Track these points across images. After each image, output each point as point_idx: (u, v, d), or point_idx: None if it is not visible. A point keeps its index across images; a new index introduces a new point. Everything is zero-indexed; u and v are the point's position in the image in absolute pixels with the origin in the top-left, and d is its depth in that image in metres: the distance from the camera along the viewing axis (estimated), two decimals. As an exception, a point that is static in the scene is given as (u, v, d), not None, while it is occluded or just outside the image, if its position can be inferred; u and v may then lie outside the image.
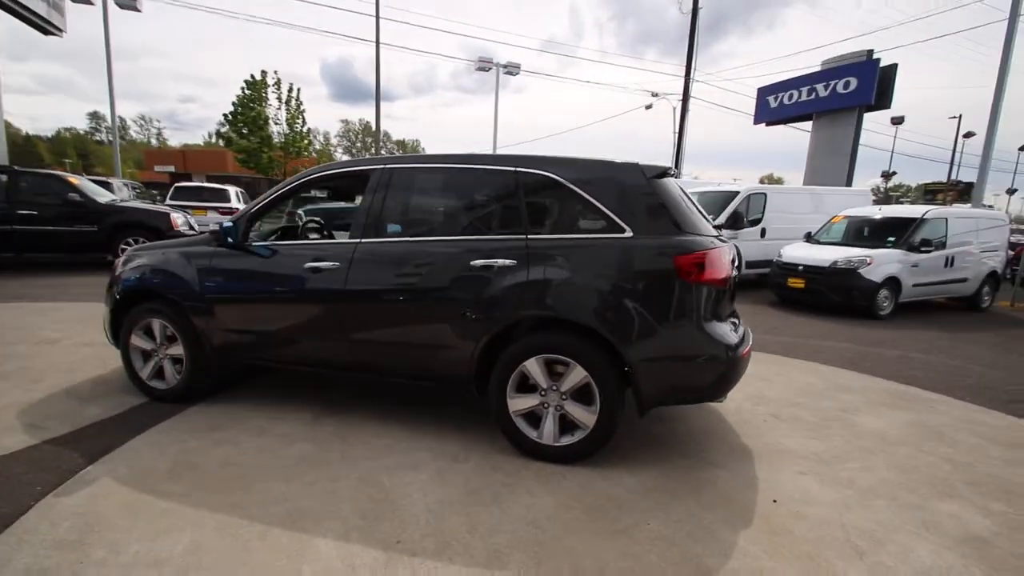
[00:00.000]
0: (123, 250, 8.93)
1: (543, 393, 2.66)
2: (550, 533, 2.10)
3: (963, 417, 3.67)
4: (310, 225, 3.94)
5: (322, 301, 2.96)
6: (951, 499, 2.53)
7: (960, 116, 29.47)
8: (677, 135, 23.01)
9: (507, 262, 2.65)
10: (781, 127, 24.95)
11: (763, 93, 24.18)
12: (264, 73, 28.50)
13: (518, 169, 2.79)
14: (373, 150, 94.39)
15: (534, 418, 2.72)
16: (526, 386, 2.71)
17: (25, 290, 7.02)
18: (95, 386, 3.60)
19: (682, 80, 20.55)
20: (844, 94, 20.72)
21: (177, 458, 2.63)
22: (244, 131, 28.01)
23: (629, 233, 2.57)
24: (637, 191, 2.64)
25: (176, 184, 11.92)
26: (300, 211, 11.61)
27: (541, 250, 2.64)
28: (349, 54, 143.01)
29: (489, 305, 2.65)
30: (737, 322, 2.90)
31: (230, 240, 3.12)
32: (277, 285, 3.07)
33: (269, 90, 28.67)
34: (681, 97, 24.18)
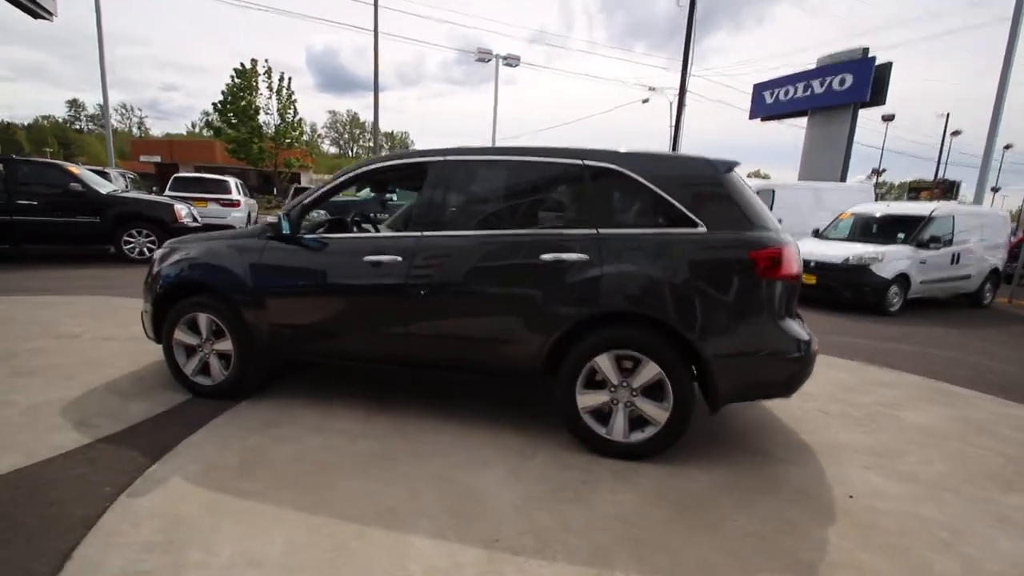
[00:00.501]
0: (128, 243, 8.75)
1: (613, 389, 2.66)
2: (644, 529, 2.10)
3: (1000, 412, 3.75)
4: (357, 219, 3.87)
5: (383, 295, 2.91)
6: (1013, 492, 2.59)
7: (948, 115, 30.03)
8: (673, 129, 23.11)
9: (579, 256, 2.63)
10: (775, 123, 25.15)
11: (759, 89, 24.38)
12: (254, 62, 28.00)
13: (584, 162, 2.76)
14: (362, 142, 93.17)
15: (602, 414, 2.71)
16: (595, 382, 2.69)
17: (29, 283, 6.81)
18: (133, 382, 3.51)
19: (676, 74, 20.58)
20: (840, 91, 20.97)
21: (243, 455, 2.58)
22: (234, 121, 27.50)
23: (703, 228, 2.57)
24: (708, 185, 2.63)
25: (175, 175, 11.64)
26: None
27: (613, 244, 2.62)
28: (335, 43, 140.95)
29: (561, 300, 2.63)
30: (801, 319, 2.93)
31: (284, 232, 3.05)
32: (334, 279, 3.01)
33: (260, 79, 28.15)
34: (678, 92, 24.25)
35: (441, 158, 2.98)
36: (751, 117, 25.01)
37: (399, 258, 2.87)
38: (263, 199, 23.06)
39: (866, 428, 3.28)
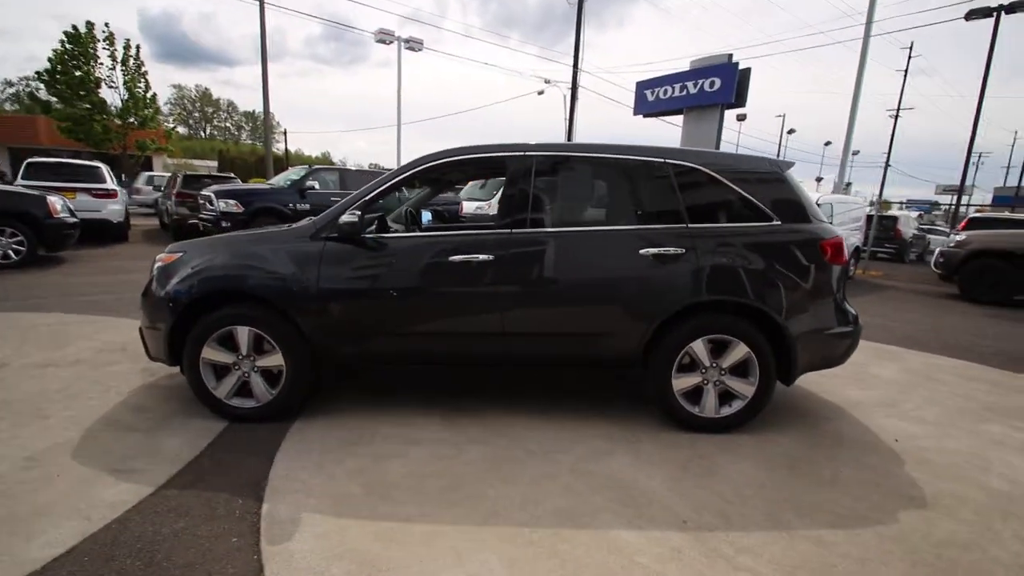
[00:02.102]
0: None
1: (703, 371, 2.88)
2: (781, 490, 2.36)
3: (929, 362, 4.72)
4: (422, 214, 3.60)
5: (477, 295, 2.81)
6: (990, 423, 3.32)
7: (784, 115, 35.38)
8: (568, 123, 24.22)
9: (676, 250, 2.79)
10: (656, 120, 27.47)
11: (641, 87, 26.31)
12: (90, 25, 23.46)
13: (667, 160, 2.92)
14: (217, 122, 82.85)
15: (692, 394, 2.93)
16: (684, 365, 2.90)
17: None
18: (134, 413, 2.95)
19: (553, 65, 21.58)
20: (710, 92, 23.52)
21: (358, 480, 2.35)
22: (67, 95, 22.89)
23: (777, 221, 2.88)
24: (775, 183, 2.95)
25: (30, 160, 9.35)
26: (313, 184, 9.93)
27: (705, 239, 2.82)
28: (174, 5, 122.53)
29: (661, 292, 2.78)
30: None
31: (350, 232, 2.77)
32: (418, 281, 2.82)
33: (99, 46, 23.70)
34: (570, 85, 25.38)
35: (522, 153, 2.93)
36: (635, 113, 26.94)
37: (491, 256, 2.78)
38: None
39: (860, 385, 3.93)
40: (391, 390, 3.45)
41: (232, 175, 13.38)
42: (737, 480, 2.44)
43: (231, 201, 9.29)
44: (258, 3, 15.67)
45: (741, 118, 32.93)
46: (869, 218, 12.48)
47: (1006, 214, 12.73)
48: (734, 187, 2.90)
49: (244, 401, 2.91)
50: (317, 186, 10.13)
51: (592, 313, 2.84)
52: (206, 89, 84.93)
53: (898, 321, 6.63)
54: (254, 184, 13.13)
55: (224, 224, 9.05)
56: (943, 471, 2.61)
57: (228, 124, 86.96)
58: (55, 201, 7.51)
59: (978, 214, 12.04)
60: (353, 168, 11.55)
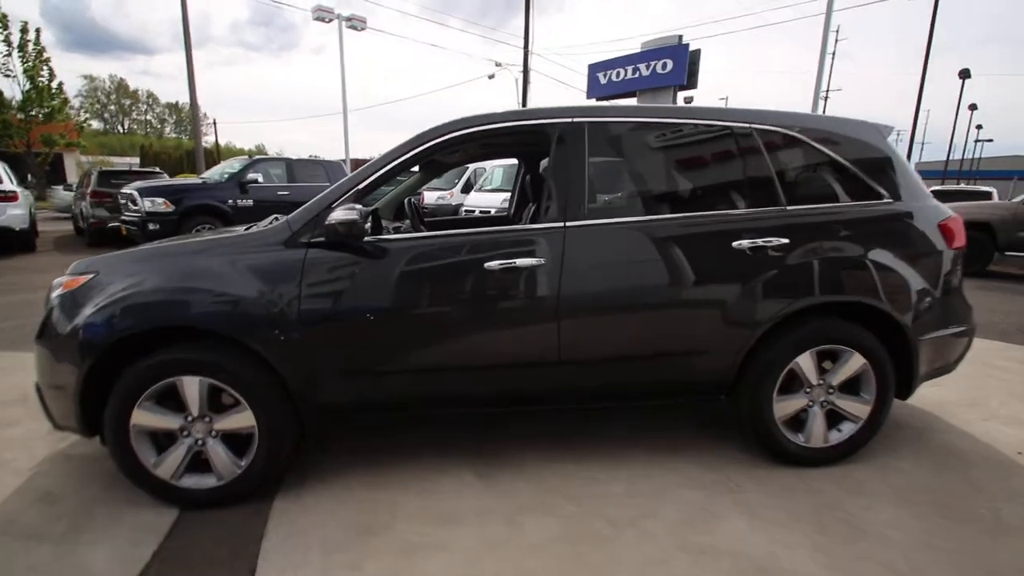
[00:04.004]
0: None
1: (808, 390, 2.29)
2: (957, 550, 1.80)
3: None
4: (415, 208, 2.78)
5: (523, 313, 2.08)
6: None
7: (727, 97, 36.14)
8: (521, 107, 23.50)
9: (779, 240, 2.16)
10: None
11: (594, 69, 25.93)
12: (-25, 3, 20.51)
13: (754, 126, 2.28)
14: (136, 115, 76.25)
15: (796, 421, 2.34)
16: (789, 385, 2.30)
17: None
18: (39, 508, 2.06)
19: (514, 49, 20.91)
20: (662, 74, 23.39)
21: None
22: (-47, 84, 20.01)
23: (888, 199, 2.31)
24: (881, 152, 2.37)
25: None
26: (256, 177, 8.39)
27: (809, 224, 2.21)
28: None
29: (761, 295, 2.15)
30: None
31: (348, 234, 1.95)
32: (438, 297, 2.06)
33: (-11, 28, 20.83)
34: (522, 68, 24.69)
35: (570, 120, 2.20)
36: (588, 96, 26.54)
37: (542, 260, 2.05)
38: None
39: (937, 384, 3.48)
40: (393, 434, 2.67)
41: (158, 170, 11.81)
42: (895, 539, 1.86)
43: (158, 199, 8.00)
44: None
45: (688, 100, 33.31)
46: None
47: (963, 186, 13.14)
48: (836, 158, 2.30)
49: (201, 479, 2.06)
50: (260, 179, 8.92)
51: (678, 326, 2.17)
52: (121, 80, 77.79)
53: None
54: (184, 179, 11.60)
55: (151, 227, 7.79)
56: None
57: (149, 117, 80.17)
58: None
59: (939, 187, 12.31)
60: (303, 159, 10.32)
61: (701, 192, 2.33)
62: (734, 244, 2.14)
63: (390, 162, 2.14)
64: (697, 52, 23.22)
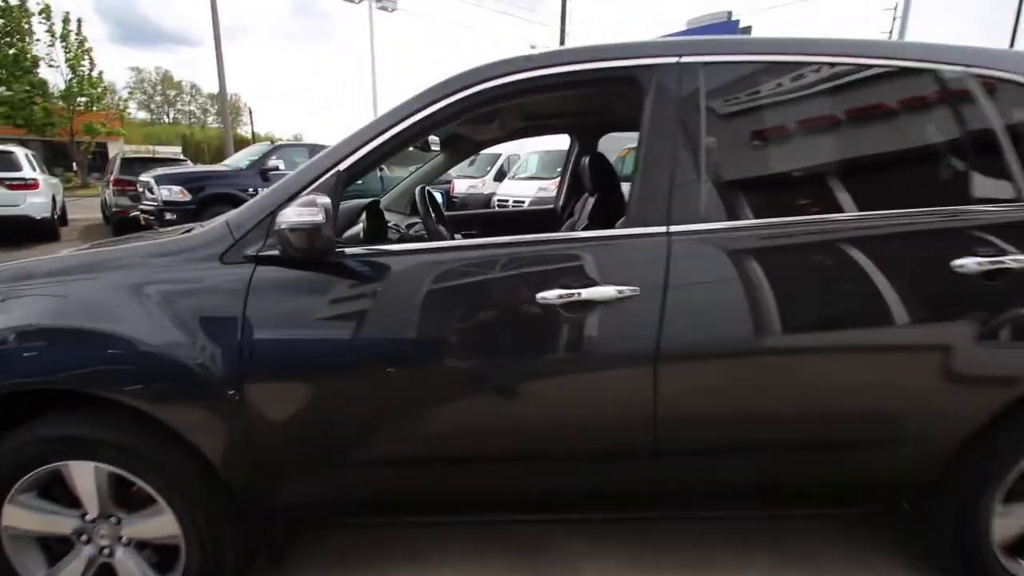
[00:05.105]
0: None
1: (1034, 496, 1.43)
2: None
3: None
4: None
5: (595, 372, 1.29)
6: None
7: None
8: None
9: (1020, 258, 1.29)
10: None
11: (638, 49, 24.73)
12: (22, -3, 20.86)
13: (971, 69, 1.39)
14: (180, 105, 78.65)
15: (1014, 545, 1.47)
16: (1020, 492, 1.43)
17: None
18: None
19: (548, 30, 19.97)
20: (711, 53, 22.01)
21: None
22: (2, 76, 20.54)
23: None
24: None
25: None
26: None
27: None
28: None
29: (1001, 345, 1.29)
30: None
31: (309, 247, 1.20)
32: (461, 343, 1.30)
33: (34, 21, 21.24)
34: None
35: (675, 58, 1.37)
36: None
37: (635, 289, 1.25)
38: (63, 178, 17.29)
39: None
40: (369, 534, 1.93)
41: (182, 157, 11.49)
42: None
43: (175, 188, 7.54)
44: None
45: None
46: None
47: None
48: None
49: (109, 605, 1.38)
50: (282, 166, 8.37)
51: (861, 399, 1.33)
52: (167, 71, 79.96)
53: None
54: (204, 167, 11.20)
55: (168, 217, 7.34)
56: None
57: (193, 107, 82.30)
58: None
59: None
60: (325, 145, 9.76)
61: (894, 180, 1.45)
62: (955, 264, 1.28)
63: (387, 128, 1.36)
64: (748, 29, 21.73)
